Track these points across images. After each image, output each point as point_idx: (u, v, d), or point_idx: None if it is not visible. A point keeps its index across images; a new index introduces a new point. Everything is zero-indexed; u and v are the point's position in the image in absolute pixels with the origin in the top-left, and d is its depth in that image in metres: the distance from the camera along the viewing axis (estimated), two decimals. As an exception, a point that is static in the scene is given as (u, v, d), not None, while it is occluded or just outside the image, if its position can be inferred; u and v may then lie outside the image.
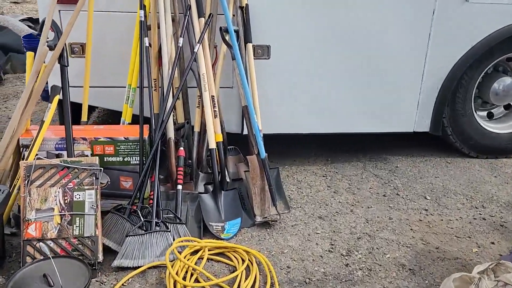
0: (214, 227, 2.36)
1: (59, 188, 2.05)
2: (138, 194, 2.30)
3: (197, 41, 2.58)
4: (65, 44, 2.35)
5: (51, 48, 2.30)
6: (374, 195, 2.85)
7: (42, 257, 1.96)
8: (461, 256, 2.28)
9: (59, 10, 2.64)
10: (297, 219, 2.55)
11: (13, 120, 2.25)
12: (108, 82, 2.82)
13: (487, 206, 2.76)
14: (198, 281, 2.00)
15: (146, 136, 2.38)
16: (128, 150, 2.34)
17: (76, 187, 2.07)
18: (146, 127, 2.44)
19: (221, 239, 2.31)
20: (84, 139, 2.30)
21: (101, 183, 2.34)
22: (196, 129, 2.64)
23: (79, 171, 2.09)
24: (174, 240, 2.17)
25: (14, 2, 8.17)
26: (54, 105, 2.27)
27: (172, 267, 2.00)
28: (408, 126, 3.16)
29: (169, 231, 2.17)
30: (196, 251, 2.17)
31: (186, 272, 2.03)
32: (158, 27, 2.63)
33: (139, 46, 2.55)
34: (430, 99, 3.12)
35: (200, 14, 2.64)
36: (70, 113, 2.57)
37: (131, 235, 2.11)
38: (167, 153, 2.51)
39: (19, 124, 2.26)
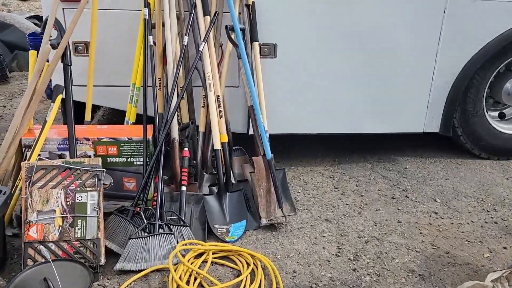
0: (218, 229, 2.32)
1: (61, 189, 2.02)
2: (141, 195, 2.26)
3: (202, 39, 2.53)
4: (68, 42, 2.30)
5: (54, 46, 2.26)
6: (383, 197, 2.79)
7: (43, 260, 1.92)
8: (472, 261, 2.22)
9: (63, 8, 2.61)
10: (304, 221, 2.49)
11: (16, 119, 2.22)
12: (112, 81, 2.78)
13: (499, 210, 2.69)
14: (202, 286, 1.96)
15: (150, 136, 2.34)
16: (131, 151, 2.30)
17: (78, 189, 2.03)
18: (150, 127, 2.40)
19: (226, 242, 2.27)
20: (87, 139, 2.27)
21: (104, 184, 2.31)
22: (201, 129, 2.60)
23: (82, 172, 2.06)
24: (177, 242, 2.13)
25: (21, 0, 8.17)
26: (56, 104, 2.24)
27: (175, 271, 1.96)
28: (418, 127, 3.09)
29: (173, 234, 2.13)
30: (200, 254, 2.13)
31: (190, 276, 1.99)
32: (163, 26, 2.58)
33: (143, 45, 2.50)
34: (440, 99, 3.05)
35: (206, 12, 2.59)
36: (73, 113, 2.55)
37: (133, 238, 2.07)
38: (171, 153, 2.46)
39: (22, 123, 2.23)
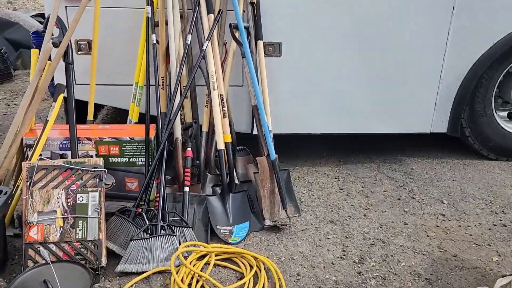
0: (221, 231, 2.28)
1: (62, 190, 1.99)
2: (143, 196, 2.23)
3: (206, 38, 2.50)
4: (70, 41, 2.28)
5: (56, 45, 2.23)
6: (389, 199, 2.74)
7: (43, 261, 1.90)
8: (480, 265, 2.17)
9: (66, 6, 2.58)
10: (308, 223, 2.45)
11: (17, 118, 2.20)
12: (115, 80, 2.75)
13: (507, 212, 2.63)
14: (204, 289, 1.92)
15: (152, 136, 2.31)
16: (133, 151, 2.28)
17: (79, 189, 2.01)
18: (152, 127, 2.37)
19: (229, 243, 2.24)
20: (89, 139, 2.24)
21: (106, 184, 2.29)
22: (204, 129, 2.56)
23: (83, 172, 2.03)
24: (180, 244, 2.10)
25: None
26: (58, 104, 2.21)
27: (177, 273, 1.93)
28: (425, 127, 3.04)
29: (175, 235, 2.10)
30: (202, 256, 2.10)
31: (192, 278, 1.96)
32: (166, 24, 2.55)
33: (146, 43, 2.47)
34: (448, 99, 3.00)
35: (210, 10, 2.56)
36: (75, 112, 2.52)
37: (135, 239, 2.04)
38: (174, 153, 2.43)
39: (23, 123, 2.21)
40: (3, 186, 2.04)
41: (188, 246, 2.10)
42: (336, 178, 2.97)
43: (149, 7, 2.47)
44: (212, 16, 2.55)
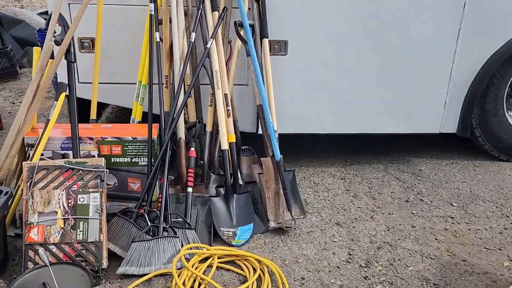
0: (225, 232, 2.24)
1: (63, 190, 1.97)
2: (145, 197, 2.19)
3: (210, 36, 2.45)
4: (72, 39, 2.24)
5: (58, 43, 2.20)
6: (396, 201, 2.68)
7: (44, 263, 1.87)
8: (491, 270, 2.10)
9: (69, 4, 2.55)
10: (313, 225, 2.41)
11: (18, 117, 2.17)
12: (118, 79, 2.72)
13: (519, 215, 2.57)
14: (206, 292, 1.89)
15: (155, 136, 2.27)
16: (136, 151, 2.24)
17: (80, 190, 1.98)
18: (155, 126, 2.33)
19: (232, 245, 2.19)
20: (91, 138, 2.21)
21: (108, 184, 2.26)
22: (208, 128, 2.52)
23: (84, 172, 2.00)
24: (182, 246, 2.07)
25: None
26: (60, 102, 2.18)
27: (179, 276, 1.89)
28: (434, 127, 2.97)
29: (177, 237, 2.06)
30: (205, 259, 2.06)
31: (194, 281, 1.92)
32: (170, 21, 2.51)
33: (149, 41, 2.43)
34: (458, 98, 2.93)
35: (214, 8, 2.51)
36: (77, 111, 2.49)
37: (137, 241, 2.01)
38: (177, 153, 2.40)
39: (24, 122, 2.18)
40: (4, 186, 2.01)
41: (191, 249, 2.06)
42: (342, 179, 2.91)
43: (153, 5, 2.43)
44: (216, 13, 2.51)
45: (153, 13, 2.43)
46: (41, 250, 1.85)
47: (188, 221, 2.18)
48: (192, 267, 1.97)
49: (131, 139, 2.23)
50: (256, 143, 2.74)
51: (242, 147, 2.74)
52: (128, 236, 2.08)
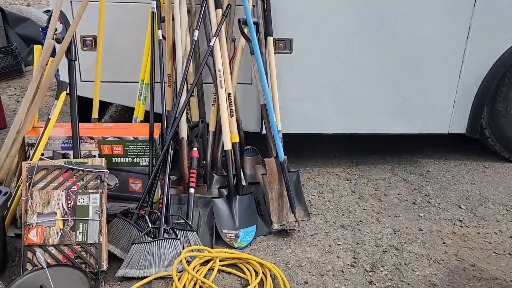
0: (227, 234, 2.20)
1: (62, 191, 1.94)
2: (146, 197, 2.16)
3: (213, 34, 2.41)
4: (73, 37, 2.21)
5: (59, 41, 2.17)
6: (403, 203, 2.62)
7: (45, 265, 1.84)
8: (500, 276, 2.04)
9: (71, 1, 2.53)
10: (318, 227, 2.36)
11: (19, 116, 2.15)
12: (121, 77, 2.69)
13: (530, 219, 2.50)
14: (207, 296, 1.85)
15: (156, 135, 2.23)
16: (137, 151, 2.20)
17: (80, 191, 1.95)
18: (157, 126, 2.29)
19: (234, 248, 2.15)
20: (92, 138, 2.17)
21: (109, 184, 2.23)
22: (211, 128, 2.48)
23: (84, 173, 1.97)
24: (183, 248, 2.03)
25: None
26: (60, 101, 2.15)
27: (179, 279, 1.86)
28: (443, 127, 2.91)
29: (178, 239, 2.03)
30: (206, 261, 2.02)
31: (195, 285, 1.88)
32: (173, 19, 2.46)
33: (151, 39, 2.40)
34: (468, 98, 2.86)
35: (218, 5, 2.47)
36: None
37: (137, 243, 1.97)
38: (179, 153, 2.36)
39: (25, 121, 2.16)
40: (3, 186, 1.98)
41: (192, 251, 2.02)
42: (348, 180, 2.86)
43: (155, 2, 2.39)
44: (220, 11, 2.46)
45: (155, 10, 2.39)
46: (38, 253, 1.82)
47: (190, 223, 2.14)
48: (193, 270, 1.93)
49: (132, 139, 2.19)
50: (260, 143, 2.69)
51: (246, 147, 2.69)
52: (128, 238, 2.05)
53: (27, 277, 1.76)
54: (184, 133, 2.37)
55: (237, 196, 2.34)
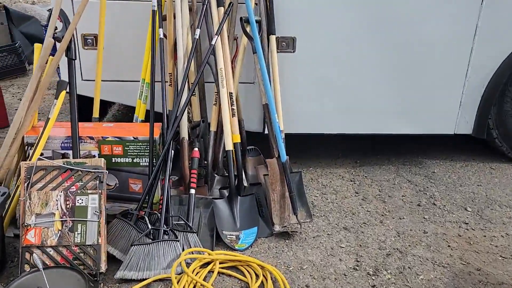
0: (228, 236, 2.17)
1: (61, 191, 1.91)
2: (146, 198, 2.13)
3: (215, 32, 2.37)
4: (73, 35, 2.18)
5: (58, 39, 2.15)
6: (407, 204, 2.58)
7: (41, 266, 1.82)
8: (507, 280, 1.99)
9: (72, -1, 2.50)
10: (320, 229, 2.32)
11: (18, 115, 2.13)
12: (122, 76, 2.67)
13: (537, 221, 2.45)
14: (206, 299, 1.82)
15: (157, 135, 2.20)
16: (137, 151, 2.18)
17: (79, 191, 1.92)
18: (158, 126, 2.26)
19: (235, 250, 2.12)
20: (91, 138, 2.15)
21: (109, 185, 2.20)
22: (213, 128, 2.45)
23: (83, 173, 1.94)
24: (183, 250, 2.00)
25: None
26: (60, 101, 2.13)
27: (178, 282, 1.83)
28: (449, 128, 2.86)
29: (178, 241, 2.00)
30: (206, 264, 1.99)
31: (194, 287, 1.85)
32: (175, 17, 2.43)
33: (151, 38, 2.37)
34: (475, 98, 2.81)
35: (220, 3, 2.44)
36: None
37: (136, 244, 1.95)
38: (180, 154, 2.33)
39: (24, 120, 2.14)
40: (1, 186, 1.97)
41: (192, 253, 1.99)
42: (351, 180, 2.82)
43: (155, 0, 2.35)
44: (222, 9, 2.43)
45: (155, 8, 2.36)
46: (35, 255, 1.80)
47: (190, 224, 2.11)
48: (193, 272, 1.91)
49: (132, 139, 2.16)
50: (263, 143, 2.66)
51: (248, 147, 2.66)
52: (127, 239, 2.03)
53: (24, 278, 1.74)
54: (185, 133, 2.34)
55: (238, 197, 2.30)
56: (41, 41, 5.03)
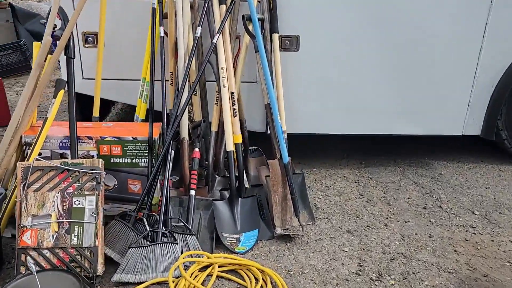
0: (228, 238, 2.13)
1: (58, 192, 1.88)
2: (145, 199, 2.09)
3: (216, 30, 2.32)
4: (72, 34, 2.15)
5: (57, 37, 2.11)
6: (413, 207, 2.51)
7: (37, 268, 1.79)
8: (514, 287, 1.93)
9: (72, -3, 2.47)
10: (322, 232, 2.27)
11: (16, 115, 2.10)
12: (123, 75, 2.64)
13: (547, 226, 2.37)
14: (204, 304, 1.78)
15: (156, 135, 2.17)
16: (136, 151, 2.14)
17: (76, 192, 1.89)
18: (157, 126, 2.22)
19: (235, 252, 2.08)
20: (90, 138, 2.12)
21: (108, 185, 2.17)
22: (214, 128, 2.41)
23: (80, 174, 1.91)
24: (182, 253, 1.96)
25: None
26: (58, 100, 2.10)
27: (176, 285, 1.79)
28: (456, 129, 2.79)
29: (177, 243, 1.96)
30: (205, 267, 1.95)
31: (192, 291, 1.81)
32: (176, 15, 2.39)
33: (151, 36, 2.33)
34: (484, 98, 2.74)
35: (222, 1, 2.39)
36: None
37: (134, 247, 1.91)
38: (180, 154, 2.29)
39: (22, 119, 2.11)
40: (-2, 187, 1.94)
41: (191, 256, 1.95)
42: (356, 182, 2.76)
43: (156, -3, 2.32)
44: (224, 7, 2.38)
45: (155, 6, 2.32)
46: (29, 258, 1.77)
47: (190, 226, 2.07)
48: (191, 275, 1.87)
49: (131, 139, 2.13)
50: (266, 143, 2.61)
51: (250, 148, 2.61)
52: (125, 241, 1.99)
53: (18, 282, 1.71)
54: (185, 133, 2.30)
55: (239, 198, 2.26)
56: (45, 38, 4.98)
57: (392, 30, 2.56)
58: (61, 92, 2.11)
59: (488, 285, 1.94)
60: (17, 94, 4.18)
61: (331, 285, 1.92)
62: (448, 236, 2.27)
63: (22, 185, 1.87)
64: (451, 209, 2.50)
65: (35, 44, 2.23)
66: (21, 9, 5.23)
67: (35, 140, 2.07)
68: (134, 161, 2.15)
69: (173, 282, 1.81)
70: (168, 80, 2.40)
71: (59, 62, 2.47)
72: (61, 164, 1.91)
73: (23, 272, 1.79)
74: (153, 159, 2.15)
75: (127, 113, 3.74)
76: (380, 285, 1.93)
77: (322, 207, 2.49)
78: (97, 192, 1.90)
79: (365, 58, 2.60)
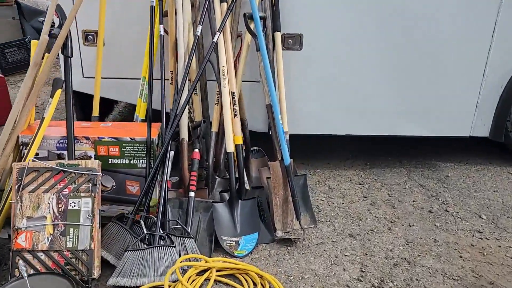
0: (227, 242, 2.09)
1: (53, 194, 1.85)
2: (143, 201, 2.06)
3: (217, 29, 2.28)
4: (69, 32, 2.11)
5: (54, 35, 2.08)
6: (418, 211, 2.45)
7: (31, 272, 1.77)
8: (522, 296, 1.87)
9: (71, -6, 2.43)
10: (324, 236, 2.22)
11: (13, 114, 2.07)
12: (123, 73, 2.60)
13: (558, 232, 2.30)
14: (201, 309, 1.74)
15: (155, 136, 2.13)
16: (134, 152, 2.10)
17: (71, 194, 1.86)
18: (156, 126, 2.18)
19: (234, 256, 2.04)
20: (87, 138, 2.08)
21: (105, 187, 2.14)
22: (214, 129, 2.36)
23: (76, 175, 1.88)
24: (180, 256, 1.92)
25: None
26: (55, 100, 2.06)
27: (172, 290, 1.75)
28: (464, 130, 2.72)
29: (174, 246, 1.92)
30: (204, 271, 1.91)
31: (189, 296, 1.78)
32: (176, 13, 2.34)
33: (150, 35, 2.29)
34: (492, 99, 2.67)
35: (223, -2, 2.34)
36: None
37: (130, 250, 1.88)
38: (179, 155, 2.25)
39: (20, 119, 2.08)
40: (-6, 188, 1.92)
41: (188, 260, 1.92)
42: (360, 184, 2.70)
43: (154, -5, 2.27)
44: (225, 4, 2.33)
45: (154, 4, 2.28)
46: (21, 262, 1.74)
47: (188, 229, 2.03)
48: (188, 280, 1.83)
49: (129, 139, 2.09)
50: (269, 143, 2.55)
51: (252, 148, 2.57)
52: (122, 244, 1.96)
53: (11, 285, 1.68)
54: (185, 133, 2.26)
55: (239, 201, 2.22)
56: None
57: (398, 30, 2.49)
58: (59, 91, 2.08)
59: (494, 293, 1.88)
60: (21, 92, 4.17)
61: (332, 291, 1.87)
62: (454, 241, 2.20)
63: (17, 186, 1.84)
64: (457, 212, 2.44)
65: (33, 42, 2.19)
66: (27, 7, 5.22)
67: (32, 140, 2.04)
68: (132, 162, 2.12)
69: (169, 286, 1.77)
70: (168, 79, 2.36)
71: (58, 59, 2.45)
72: (56, 165, 1.88)
73: (17, 275, 1.76)
74: (152, 160, 2.11)
75: (130, 112, 3.71)
76: (382, 292, 1.87)
77: (324, 209, 2.44)
78: (93, 194, 1.87)
79: (370, 57, 2.54)
